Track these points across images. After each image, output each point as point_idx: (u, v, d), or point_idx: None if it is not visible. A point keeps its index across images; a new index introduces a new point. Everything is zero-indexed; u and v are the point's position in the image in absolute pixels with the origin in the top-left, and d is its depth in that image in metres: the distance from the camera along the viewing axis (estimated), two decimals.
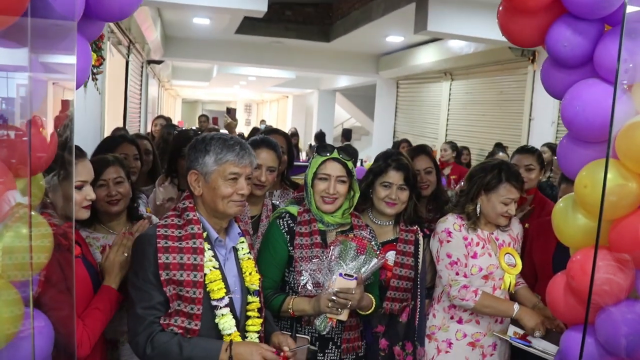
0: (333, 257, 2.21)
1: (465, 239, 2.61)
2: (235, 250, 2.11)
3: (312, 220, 2.39)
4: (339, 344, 2.37)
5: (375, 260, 2.23)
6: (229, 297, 1.97)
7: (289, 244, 2.35)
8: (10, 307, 1.40)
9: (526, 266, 2.76)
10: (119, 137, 3.36)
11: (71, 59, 1.45)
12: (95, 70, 4.79)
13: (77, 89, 1.56)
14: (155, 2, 6.25)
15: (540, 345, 2.43)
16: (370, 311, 2.37)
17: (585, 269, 1.84)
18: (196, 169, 1.97)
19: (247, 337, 2.02)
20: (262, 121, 18.44)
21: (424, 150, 3.28)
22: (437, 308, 2.69)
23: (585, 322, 1.70)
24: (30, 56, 1.34)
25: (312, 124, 18.56)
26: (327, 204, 2.35)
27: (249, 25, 9.10)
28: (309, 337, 2.27)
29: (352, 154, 9.74)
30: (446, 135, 10.00)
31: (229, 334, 1.94)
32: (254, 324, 2.06)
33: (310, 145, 12.33)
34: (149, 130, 11.05)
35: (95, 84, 4.90)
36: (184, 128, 6.56)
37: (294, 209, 2.44)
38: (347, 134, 11.06)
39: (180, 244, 1.92)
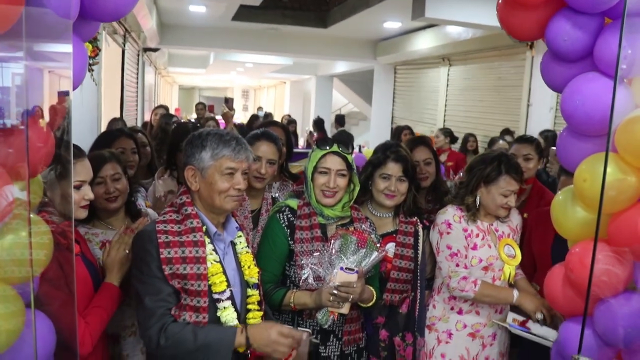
0: (334, 250, 2.22)
1: (465, 230, 2.62)
2: (233, 244, 2.11)
3: (312, 213, 2.39)
4: (340, 336, 2.39)
5: (375, 254, 2.24)
6: (230, 290, 1.98)
7: (289, 238, 2.36)
8: (11, 309, 1.40)
9: (525, 256, 2.77)
10: (116, 131, 3.35)
11: (67, 47, 1.43)
12: (91, 62, 4.76)
13: (74, 89, 1.54)
14: None
15: (539, 331, 2.45)
16: (371, 303, 2.39)
17: (584, 261, 1.86)
18: (193, 164, 1.98)
19: None
20: (260, 108, 18.37)
21: (423, 141, 3.28)
22: (437, 299, 2.70)
23: (584, 315, 1.71)
24: (25, 45, 1.33)
25: (309, 109, 18.51)
26: (328, 198, 2.35)
27: (246, 12, 9.03)
28: (310, 330, 2.29)
29: (347, 139, 9.78)
30: (444, 120, 9.98)
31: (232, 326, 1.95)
32: (254, 317, 2.07)
33: (310, 132, 12.30)
34: (146, 118, 11.04)
35: (92, 75, 4.87)
36: (182, 120, 6.54)
37: (293, 203, 2.44)
38: (340, 120, 11.02)
39: (180, 238, 1.93)
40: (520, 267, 2.74)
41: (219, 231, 2.03)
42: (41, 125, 1.46)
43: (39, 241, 1.48)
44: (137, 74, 10.22)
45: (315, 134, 10.61)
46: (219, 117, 9.26)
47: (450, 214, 2.65)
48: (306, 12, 10.01)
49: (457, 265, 2.58)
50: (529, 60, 7.33)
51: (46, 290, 1.60)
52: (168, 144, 3.54)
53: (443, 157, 6.98)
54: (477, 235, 2.62)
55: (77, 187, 1.94)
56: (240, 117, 21.52)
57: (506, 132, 7.07)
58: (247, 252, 2.13)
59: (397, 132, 7.60)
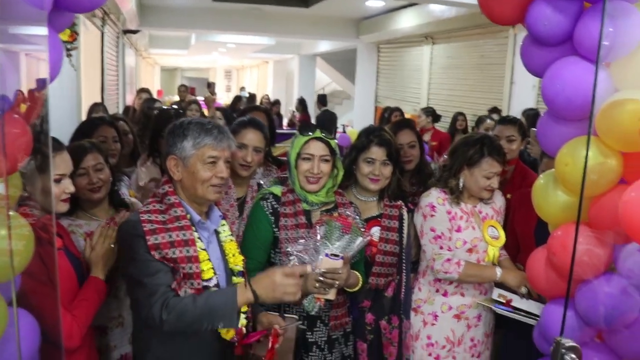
0: (318, 237, 2.22)
1: (449, 212, 2.63)
2: (216, 233, 2.11)
3: (297, 200, 2.39)
4: (326, 321, 2.40)
5: (360, 239, 2.25)
6: (216, 278, 1.98)
7: (273, 225, 2.36)
8: None
9: (509, 237, 2.80)
10: (97, 120, 3.31)
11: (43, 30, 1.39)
12: (69, 47, 4.69)
13: (50, 82, 1.51)
14: None
15: (524, 306, 2.48)
16: (357, 288, 2.40)
17: (566, 244, 1.87)
18: (175, 154, 1.97)
19: None
20: (242, 88, 18.26)
21: (407, 124, 3.29)
22: (423, 282, 2.73)
23: (566, 297, 1.72)
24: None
25: (293, 89, 18.41)
26: (312, 184, 2.35)
27: None
28: (297, 317, 2.30)
29: (331, 119, 9.77)
30: (428, 99, 9.98)
31: (216, 329, 1.95)
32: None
33: (293, 112, 12.26)
34: (128, 102, 10.92)
35: (70, 60, 4.80)
36: (164, 103, 6.48)
37: (277, 190, 2.44)
38: (322, 99, 10.98)
39: (166, 226, 1.92)
40: (504, 247, 2.77)
41: (202, 219, 2.03)
42: (22, 112, 1.44)
43: (20, 237, 1.46)
44: (117, 56, 10.08)
45: (298, 115, 10.57)
46: (201, 99, 9.18)
47: (434, 196, 2.66)
48: None
49: (441, 247, 2.60)
50: (511, 38, 7.33)
51: (29, 286, 1.59)
52: (150, 131, 3.51)
53: (427, 137, 6.99)
54: (461, 218, 2.64)
55: (57, 181, 1.92)
56: (224, 97, 21.37)
57: (494, 110, 7.09)
58: (231, 240, 2.13)
59: (388, 113, 7.56)
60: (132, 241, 1.89)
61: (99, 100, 7.27)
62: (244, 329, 2.01)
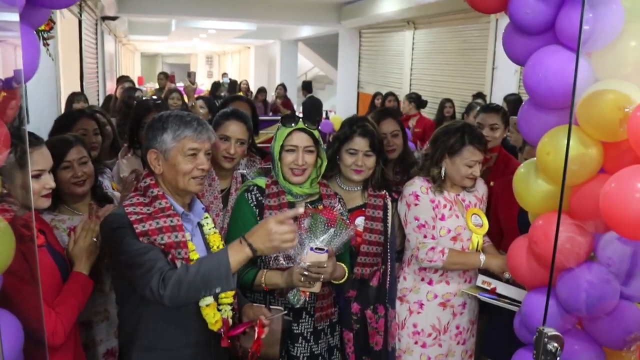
0: (303, 229, 2.22)
1: (433, 201, 2.64)
2: (200, 226, 2.11)
3: (281, 192, 2.39)
4: (312, 313, 2.41)
5: (345, 232, 2.25)
6: None
7: (258, 218, 2.35)
8: None
9: (492, 224, 2.82)
10: (76, 112, 3.27)
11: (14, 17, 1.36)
12: (46, 35, 4.60)
13: (26, 82, 1.48)
14: None
15: (509, 292, 2.51)
16: (343, 280, 2.41)
17: (547, 233, 1.89)
18: (155, 147, 1.96)
19: (220, 309, 2.03)
20: (224, 74, 18.09)
21: (390, 113, 3.28)
22: (408, 271, 2.74)
23: (549, 286, 1.74)
24: None
25: (275, 74, 18.31)
26: (297, 176, 2.34)
27: None
28: (282, 308, 2.31)
29: (316, 105, 9.74)
30: (410, 84, 9.99)
31: (207, 305, 1.95)
32: (227, 296, 2.06)
33: (275, 97, 12.20)
34: (108, 89, 10.79)
35: (47, 49, 4.70)
36: (146, 91, 6.41)
37: (261, 181, 2.43)
38: (307, 86, 10.94)
39: (152, 216, 1.92)
40: (487, 235, 2.79)
41: (186, 211, 2.02)
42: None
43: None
44: (96, 44, 9.94)
45: (279, 101, 10.53)
46: (181, 85, 9.09)
47: (418, 185, 2.67)
48: None
49: (425, 236, 2.62)
50: (493, 23, 7.34)
51: (10, 285, 1.57)
52: (130, 121, 3.48)
53: (412, 122, 7.00)
54: (445, 206, 2.66)
55: (37, 176, 1.89)
56: (206, 83, 21.17)
57: (479, 95, 7.11)
58: (214, 232, 2.13)
59: (382, 99, 7.53)
60: (118, 232, 1.88)
61: (78, 89, 7.17)
62: (230, 320, 2.03)
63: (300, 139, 2.34)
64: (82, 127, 3.02)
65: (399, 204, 2.72)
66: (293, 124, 2.35)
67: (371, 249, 2.57)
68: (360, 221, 2.60)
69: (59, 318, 1.87)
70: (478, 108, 5.74)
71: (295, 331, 2.38)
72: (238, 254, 1.81)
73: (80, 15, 7.68)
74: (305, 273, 2.13)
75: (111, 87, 11.00)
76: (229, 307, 2.06)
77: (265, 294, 2.37)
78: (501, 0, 2.01)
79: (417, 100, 7.15)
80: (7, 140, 1.42)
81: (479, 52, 7.83)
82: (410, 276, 2.73)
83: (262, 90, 10.76)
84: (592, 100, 1.80)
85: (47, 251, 1.96)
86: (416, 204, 2.64)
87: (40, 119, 4.58)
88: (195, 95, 6.42)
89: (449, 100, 7.24)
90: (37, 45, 1.61)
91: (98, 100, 9.37)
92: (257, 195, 2.39)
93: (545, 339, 1.54)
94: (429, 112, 7.78)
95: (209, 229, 2.12)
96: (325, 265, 2.14)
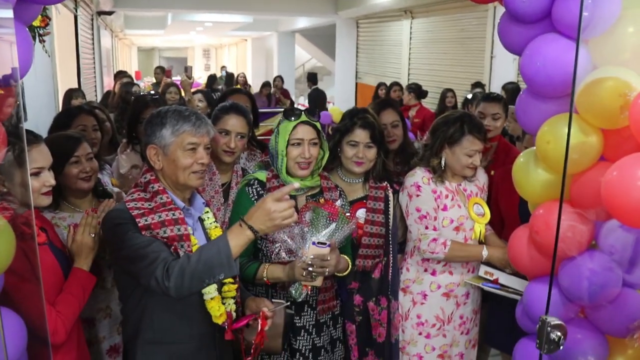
0: (305, 222, 2.22)
1: (434, 192, 2.63)
2: (201, 220, 2.11)
3: (282, 186, 2.37)
4: (314, 306, 2.41)
5: (347, 226, 2.24)
6: None
7: None
8: None
9: (493, 213, 2.81)
10: (75, 109, 3.25)
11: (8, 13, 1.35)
12: (41, 32, 4.57)
13: (21, 78, 1.47)
14: None
15: (512, 283, 2.50)
16: (346, 272, 2.41)
17: (548, 223, 1.89)
18: (154, 143, 1.96)
19: (224, 303, 2.04)
20: (223, 67, 18.06)
21: (390, 104, 3.27)
22: (410, 262, 2.74)
23: (551, 275, 1.75)
24: None
25: (272, 66, 18.27)
26: (303, 170, 2.33)
27: None
28: (284, 301, 2.31)
29: (322, 96, 9.73)
30: (409, 74, 9.96)
31: (212, 298, 1.96)
32: (230, 290, 2.07)
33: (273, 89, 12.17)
34: (105, 84, 10.76)
35: (44, 46, 4.68)
36: (144, 85, 6.39)
37: (262, 175, 2.42)
38: (312, 77, 10.89)
39: (154, 210, 1.92)
40: (489, 224, 2.79)
41: (187, 206, 2.02)
42: None
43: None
44: (93, 39, 9.89)
45: (277, 92, 10.52)
46: (176, 79, 9.06)
47: (419, 176, 2.66)
48: None
49: (427, 227, 2.61)
50: (491, 11, 7.31)
51: (12, 284, 1.57)
52: (127, 117, 3.47)
53: (412, 113, 6.98)
54: (447, 197, 2.65)
55: (36, 174, 1.88)
56: (203, 76, 21.12)
57: (477, 85, 7.08)
58: (215, 226, 2.13)
59: (386, 90, 7.51)
60: (120, 227, 1.88)
61: (75, 85, 7.15)
62: (233, 313, 2.04)
63: (306, 132, 2.32)
64: (81, 124, 3.01)
65: (400, 195, 2.71)
66: (296, 118, 2.33)
67: (373, 240, 2.57)
68: (361, 213, 2.60)
69: (59, 317, 1.87)
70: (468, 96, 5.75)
71: (297, 324, 2.38)
72: (238, 238, 1.80)
73: (76, 11, 7.64)
74: (310, 268, 2.12)
75: (109, 82, 10.96)
76: (232, 301, 2.06)
77: (267, 287, 2.37)
78: None
79: (417, 91, 7.12)
80: (5, 138, 1.41)
81: (477, 40, 7.81)
82: (413, 267, 2.73)
83: (266, 85, 10.76)
84: (591, 88, 1.79)
85: (49, 249, 1.96)
86: (418, 195, 2.63)
87: (38, 117, 4.57)
88: (193, 89, 6.39)
89: (450, 90, 7.18)
90: (31, 42, 1.60)
91: (96, 96, 9.35)
92: (258, 189, 2.38)
93: (549, 328, 1.54)
94: (428, 102, 7.75)
95: (210, 224, 2.13)
96: (328, 259, 2.14)
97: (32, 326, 1.53)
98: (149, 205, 1.93)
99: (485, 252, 2.60)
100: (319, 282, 2.20)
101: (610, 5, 1.77)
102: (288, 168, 2.35)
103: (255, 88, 12.73)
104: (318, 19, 13.56)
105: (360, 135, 2.56)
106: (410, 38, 9.98)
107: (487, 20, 7.49)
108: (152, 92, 5.55)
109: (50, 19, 4.88)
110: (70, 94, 5.11)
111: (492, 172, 3.02)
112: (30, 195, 1.61)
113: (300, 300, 2.26)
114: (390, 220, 2.62)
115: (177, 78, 9.75)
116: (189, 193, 2.06)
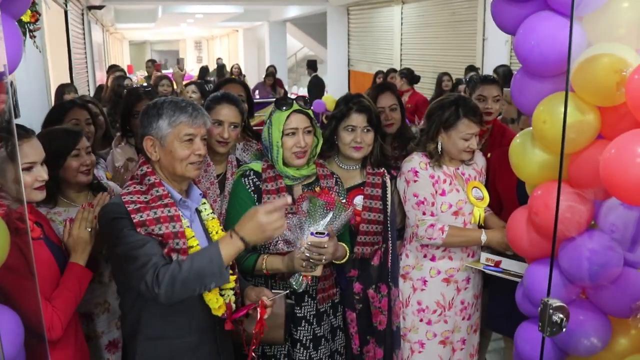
0: (302, 212, 2.20)
1: (432, 177, 2.62)
2: (198, 212, 2.10)
3: (278, 176, 2.36)
4: (314, 295, 2.40)
5: (344, 214, 2.23)
6: None
7: (256, 203, 2.33)
8: None
9: (491, 196, 2.79)
10: (68, 103, 3.22)
11: None
12: (32, 27, 4.53)
13: (10, 73, 1.44)
14: None
15: (513, 267, 2.49)
16: (345, 260, 2.40)
17: (547, 203, 1.88)
18: (151, 134, 1.94)
19: (223, 294, 2.02)
20: (219, 59, 17.96)
21: (388, 87, 3.24)
22: (410, 248, 2.72)
23: (552, 256, 1.73)
24: None
25: (264, 56, 18.18)
26: (300, 159, 2.32)
27: None
28: (285, 291, 2.30)
29: (322, 83, 9.69)
30: (401, 60, 9.92)
31: (210, 290, 1.94)
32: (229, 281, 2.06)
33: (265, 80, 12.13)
34: (98, 79, 10.69)
35: (34, 42, 4.64)
36: (136, 79, 6.36)
37: (257, 166, 2.40)
38: (312, 65, 10.85)
39: (149, 205, 1.90)
40: (488, 207, 2.78)
41: (183, 198, 2.01)
42: None
43: None
44: (84, 34, 9.83)
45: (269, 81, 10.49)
46: (167, 71, 9.00)
47: (417, 161, 2.64)
48: None
49: (424, 213, 2.59)
50: None
51: (7, 280, 1.55)
52: (121, 110, 3.44)
53: (405, 98, 6.95)
54: (445, 181, 2.63)
55: (28, 169, 1.86)
56: (195, 69, 21.04)
57: (471, 69, 7.04)
58: (213, 218, 2.12)
59: (384, 77, 7.46)
60: (116, 222, 1.87)
61: (67, 80, 7.10)
62: (233, 304, 2.02)
63: (299, 121, 2.31)
64: (74, 118, 2.98)
65: (398, 180, 2.69)
66: (288, 107, 2.31)
67: (371, 227, 2.55)
68: (359, 200, 2.58)
69: (55, 312, 1.85)
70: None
71: (297, 315, 2.37)
72: (230, 248, 1.80)
73: (66, 6, 7.57)
74: (307, 255, 2.11)
75: (101, 77, 10.90)
76: (232, 292, 2.05)
77: (267, 278, 2.36)
78: None
79: (410, 76, 7.07)
80: None
81: (469, 23, 7.77)
82: (413, 253, 2.71)
83: (270, 74, 10.73)
84: (587, 65, 1.77)
85: (44, 243, 1.94)
86: (415, 180, 2.61)
87: (31, 112, 4.53)
88: (186, 81, 6.37)
89: (446, 74, 7.13)
90: (20, 35, 1.57)
91: (88, 90, 9.30)
92: (255, 180, 2.36)
93: (551, 310, 1.53)
94: (422, 88, 7.71)
95: (207, 215, 2.12)
96: (326, 246, 2.12)
97: (28, 322, 1.52)
98: (145, 198, 1.91)
99: (484, 237, 2.58)
100: (319, 271, 2.19)
101: None
102: (284, 158, 2.32)
103: (248, 78, 12.68)
104: (309, 7, 13.48)
105: (357, 119, 2.54)
106: (402, 23, 9.93)
107: (477, 2, 7.45)
108: (145, 84, 5.52)
109: (40, 14, 4.84)
110: (62, 89, 5.07)
111: (489, 155, 3.00)
112: (22, 191, 1.59)
113: (300, 290, 2.25)
114: (389, 207, 2.60)
115: (169, 71, 9.69)
116: (186, 184, 2.05)
